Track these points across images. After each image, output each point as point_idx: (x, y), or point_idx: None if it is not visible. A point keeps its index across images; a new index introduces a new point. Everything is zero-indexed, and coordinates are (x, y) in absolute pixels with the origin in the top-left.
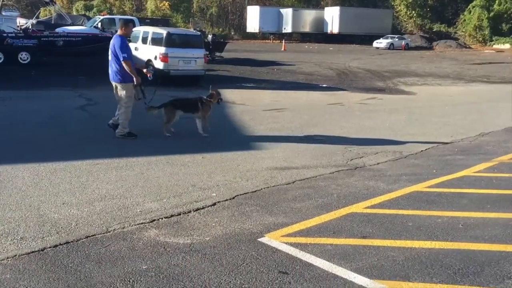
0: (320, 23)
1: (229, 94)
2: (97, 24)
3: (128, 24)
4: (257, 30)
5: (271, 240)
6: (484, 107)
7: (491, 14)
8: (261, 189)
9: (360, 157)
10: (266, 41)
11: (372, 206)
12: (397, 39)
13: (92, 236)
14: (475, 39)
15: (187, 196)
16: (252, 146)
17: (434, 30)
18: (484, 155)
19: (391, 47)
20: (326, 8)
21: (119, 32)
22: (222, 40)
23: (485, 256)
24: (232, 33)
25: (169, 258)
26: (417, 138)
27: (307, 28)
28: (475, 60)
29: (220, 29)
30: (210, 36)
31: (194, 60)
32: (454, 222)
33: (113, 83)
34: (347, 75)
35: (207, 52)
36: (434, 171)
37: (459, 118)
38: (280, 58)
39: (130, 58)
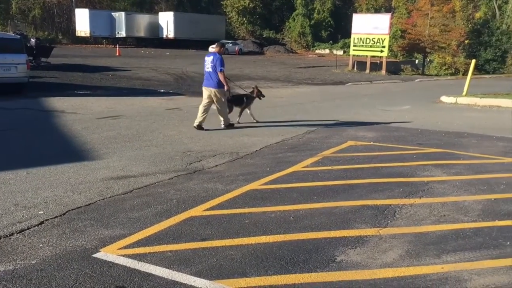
0: (155, 28)
1: (57, 103)
2: None
3: (224, 46)
4: (88, 34)
5: (107, 254)
6: (309, 107)
7: (312, 22)
8: (96, 201)
9: (199, 161)
10: (99, 45)
11: (211, 208)
12: (231, 45)
13: None
14: (299, 45)
15: (8, 217)
16: (85, 156)
17: (264, 36)
18: (310, 151)
19: (226, 52)
20: (160, 13)
21: (216, 50)
22: (48, 44)
23: (313, 244)
24: (60, 37)
25: None
26: (252, 138)
27: (142, 33)
28: (301, 64)
29: (46, 33)
30: (33, 40)
31: (14, 66)
32: (285, 215)
33: (210, 89)
34: (185, 80)
35: (31, 58)
36: (268, 169)
37: (288, 118)
38: (115, 64)
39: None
